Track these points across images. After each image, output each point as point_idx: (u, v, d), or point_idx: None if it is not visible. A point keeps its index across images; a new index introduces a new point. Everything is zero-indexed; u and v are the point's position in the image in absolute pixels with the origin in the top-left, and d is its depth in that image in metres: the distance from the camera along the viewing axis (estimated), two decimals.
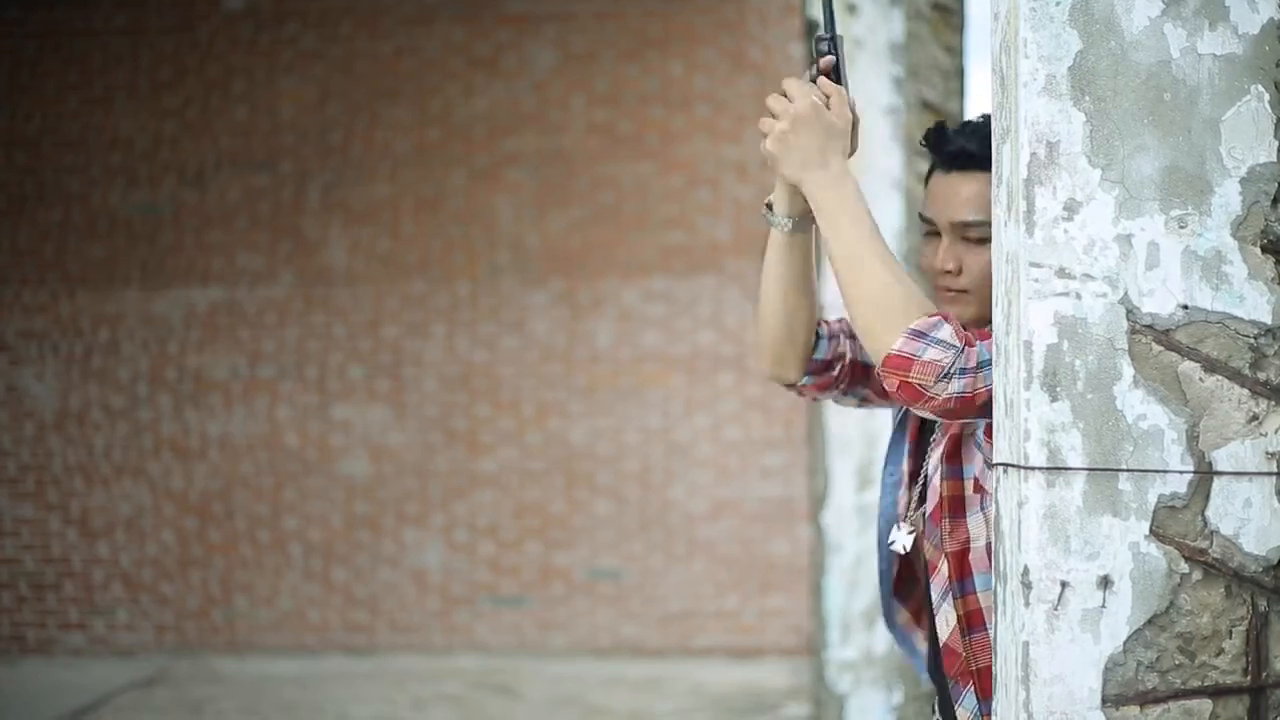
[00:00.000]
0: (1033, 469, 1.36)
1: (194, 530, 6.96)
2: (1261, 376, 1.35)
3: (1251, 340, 1.35)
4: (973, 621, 1.79)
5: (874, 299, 1.66)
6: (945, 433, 1.84)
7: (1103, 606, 1.35)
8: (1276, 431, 1.35)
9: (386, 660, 6.79)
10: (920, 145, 1.97)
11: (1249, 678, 1.34)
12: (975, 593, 1.80)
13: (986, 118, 1.91)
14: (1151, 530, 1.35)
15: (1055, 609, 1.36)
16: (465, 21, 7.02)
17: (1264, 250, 1.35)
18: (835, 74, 1.77)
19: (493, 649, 6.87)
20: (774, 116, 1.73)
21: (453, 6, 7.02)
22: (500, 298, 6.99)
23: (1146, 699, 1.34)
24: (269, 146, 7.04)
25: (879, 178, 4.33)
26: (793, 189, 1.78)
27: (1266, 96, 1.35)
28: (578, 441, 6.84)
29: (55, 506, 7.00)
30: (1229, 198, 1.35)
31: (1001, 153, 1.48)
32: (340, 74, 7.03)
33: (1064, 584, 1.36)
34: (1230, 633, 1.35)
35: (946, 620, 1.80)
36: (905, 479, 1.96)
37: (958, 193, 1.85)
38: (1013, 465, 1.41)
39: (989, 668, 1.75)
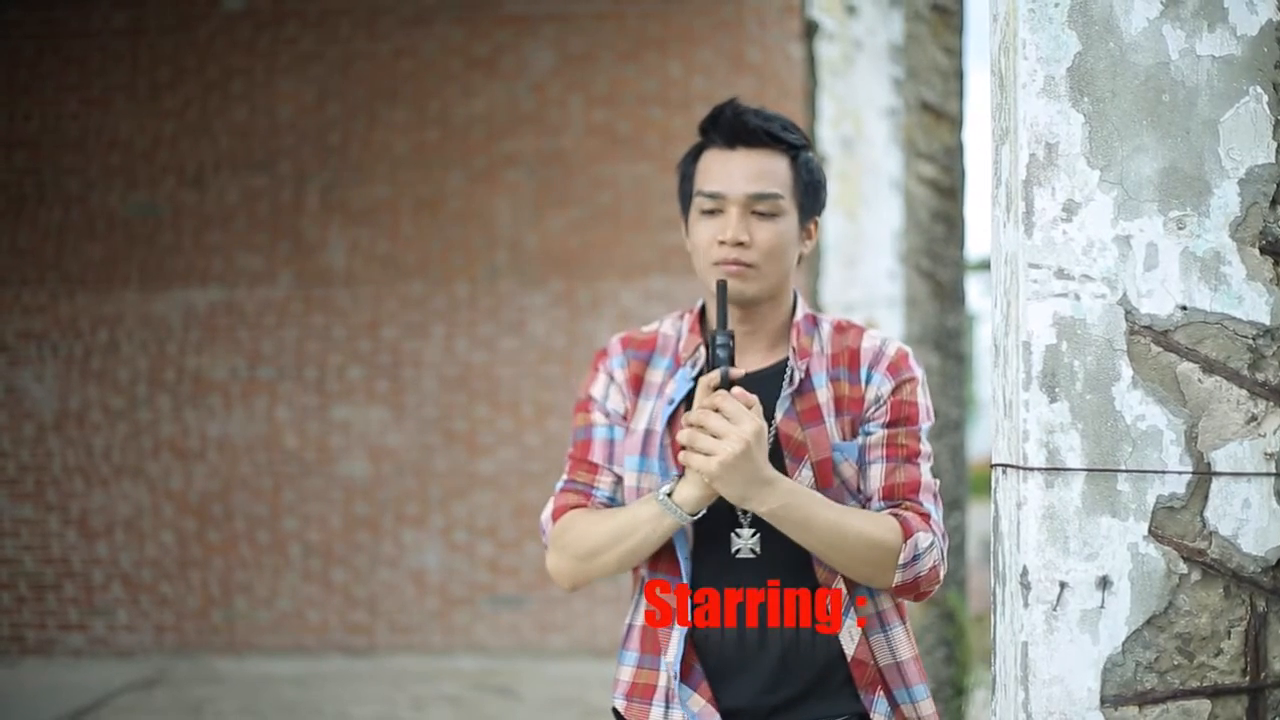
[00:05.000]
0: (1031, 470, 1.36)
1: (193, 531, 6.96)
2: (1260, 377, 1.35)
3: (1250, 341, 1.35)
4: (869, 627, 1.86)
5: (864, 557, 1.77)
6: (803, 460, 1.84)
7: (1101, 607, 1.35)
8: (1275, 432, 1.35)
9: (386, 661, 6.79)
10: (699, 132, 1.91)
11: (1247, 678, 1.34)
12: (865, 598, 1.86)
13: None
14: (1150, 531, 1.35)
15: (1054, 609, 1.36)
16: (464, 22, 7.02)
17: (1262, 251, 1.35)
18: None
19: (492, 650, 6.87)
20: (710, 433, 1.70)
21: (451, 8, 7.02)
22: (499, 299, 7.00)
23: (1145, 699, 1.35)
24: (268, 147, 7.04)
25: (879, 178, 4.32)
26: (705, 487, 1.74)
27: (1265, 98, 1.35)
28: None
29: (55, 507, 7.00)
30: (1227, 199, 1.35)
31: (1000, 154, 1.48)
32: (339, 75, 7.03)
33: (1063, 584, 1.36)
34: (1229, 633, 1.35)
35: (850, 635, 1.84)
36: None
37: (746, 167, 1.85)
38: (1011, 466, 1.41)
39: (892, 664, 1.86)
